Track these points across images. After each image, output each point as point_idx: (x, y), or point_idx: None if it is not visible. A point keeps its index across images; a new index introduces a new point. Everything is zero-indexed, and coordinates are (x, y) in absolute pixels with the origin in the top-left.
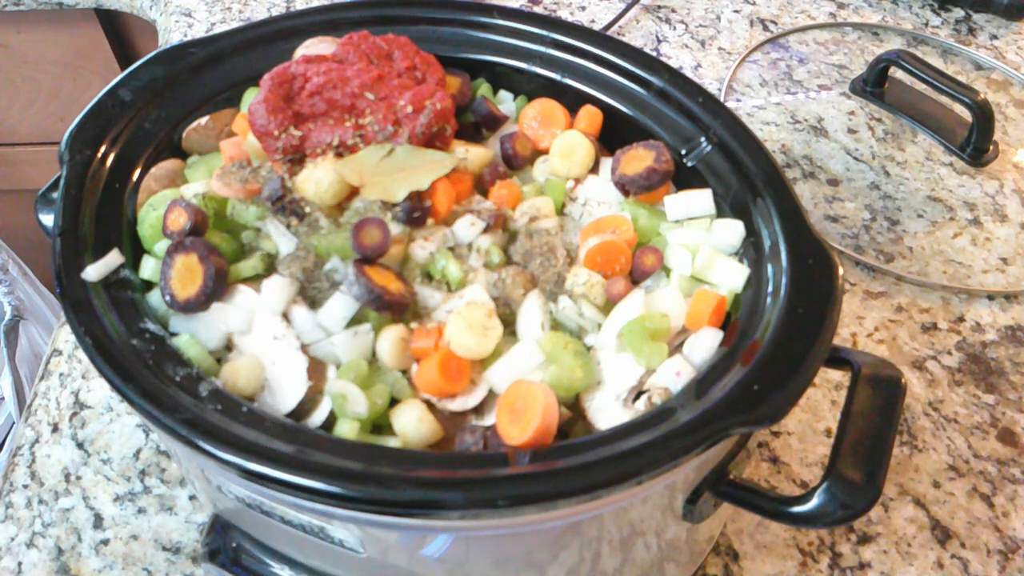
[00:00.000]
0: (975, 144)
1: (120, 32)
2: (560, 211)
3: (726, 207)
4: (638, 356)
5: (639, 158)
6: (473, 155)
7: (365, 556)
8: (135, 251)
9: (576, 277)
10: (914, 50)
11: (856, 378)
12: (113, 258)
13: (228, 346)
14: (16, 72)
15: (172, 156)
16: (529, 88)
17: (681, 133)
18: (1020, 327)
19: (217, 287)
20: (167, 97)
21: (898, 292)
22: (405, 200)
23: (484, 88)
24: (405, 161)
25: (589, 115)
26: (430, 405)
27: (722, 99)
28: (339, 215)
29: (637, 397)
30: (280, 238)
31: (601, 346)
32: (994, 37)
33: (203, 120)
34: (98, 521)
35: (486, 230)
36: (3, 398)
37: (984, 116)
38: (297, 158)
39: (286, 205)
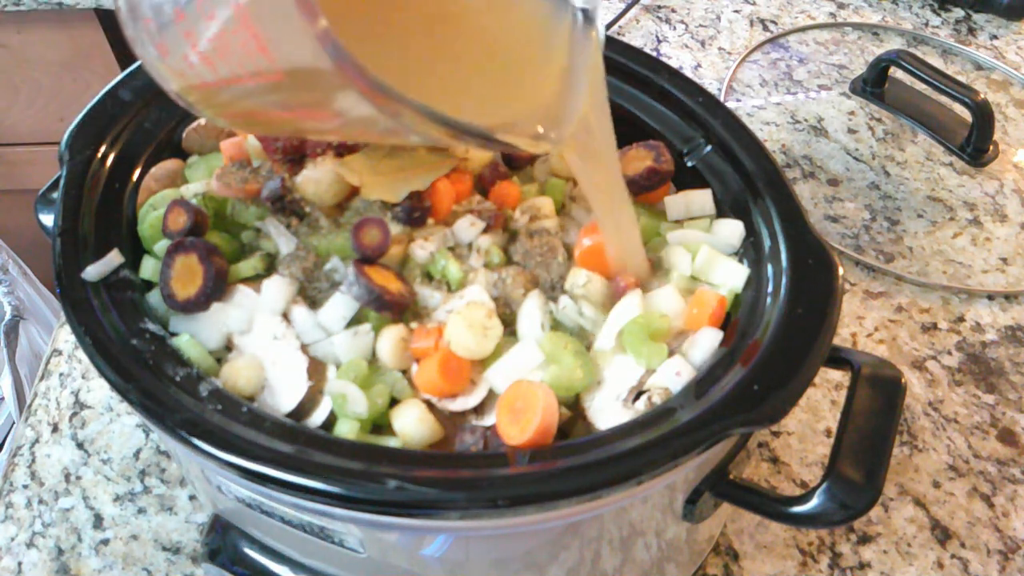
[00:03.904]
0: (975, 144)
1: (120, 32)
2: (560, 211)
3: (726, 207)
4: (638, 356)
5: (639, 158)
6: (473, 155)
7: (365, 556)
8: (135, 251)
9: (576, 277)
10: (914, 50)
11: (856, 378)
12: (113, 258)
13: (228, 346)
14: (16, 72)
15: (172, 156)
16: None
17: (681, 133)
18: (1020, 327)
19: (217, 287)
20: (167, 97)
21: (898, 292)
22: (405, 200)
23: None
24: (405, 161)
25: None
26: (430, 405)
27: (722, 99)
28: (339, 215)
29: (637, 397)
30: (280, 238)
31: (601, 346)
32: (994, 37)
33: (203, 120)
34: (98, 521)
35: (486, 230)
36: (3, 398)
37: (984, 116)
38: (297, 158)
39: (286, 205)
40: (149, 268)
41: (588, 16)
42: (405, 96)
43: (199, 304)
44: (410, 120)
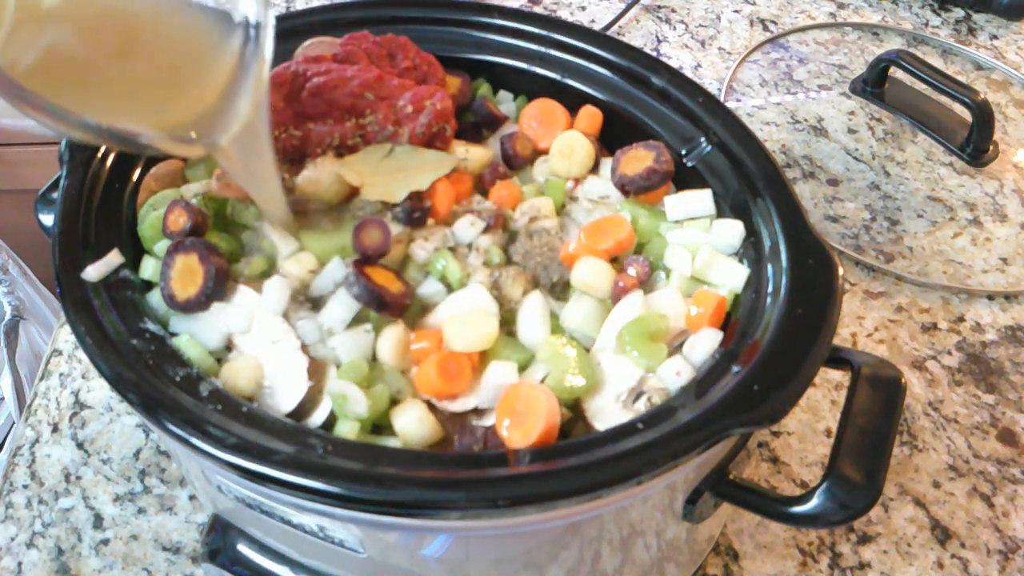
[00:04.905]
0: (975, 144)
1: None
2: (560, 211)
3: (726, 207)
4: (638, 357)
5: (639, 158)
6: (473, 155)
7: (365, 556)
8: (135, 251)
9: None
10: (914, 50)
11: (856, 378)
12: (113, 258)
13: (228, 346)
14: None
15: (172, 156)
16: (529, 88)
17: (681, 133)
18: (1020, 327)
19: (217, 287)
20: None
21: (898, 292)
22: (405, 200)
23: (484, 88)
24: (405, 161)
25: (589, 115)
26: (430, 405)
27: (722, 99)
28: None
29: (637, 398)
30: (280, 238)
31: (601, 346)
32: (994, 37)
33: None
34: (98, 521)
35: (486, 230)
36: (3, 398)
37: (984, 116)
38: (297, 158)
39: None
40: (149, 268)
41: (259, 30)
42: (37, 96)
43: (199, 304)
44: (40, 118)
